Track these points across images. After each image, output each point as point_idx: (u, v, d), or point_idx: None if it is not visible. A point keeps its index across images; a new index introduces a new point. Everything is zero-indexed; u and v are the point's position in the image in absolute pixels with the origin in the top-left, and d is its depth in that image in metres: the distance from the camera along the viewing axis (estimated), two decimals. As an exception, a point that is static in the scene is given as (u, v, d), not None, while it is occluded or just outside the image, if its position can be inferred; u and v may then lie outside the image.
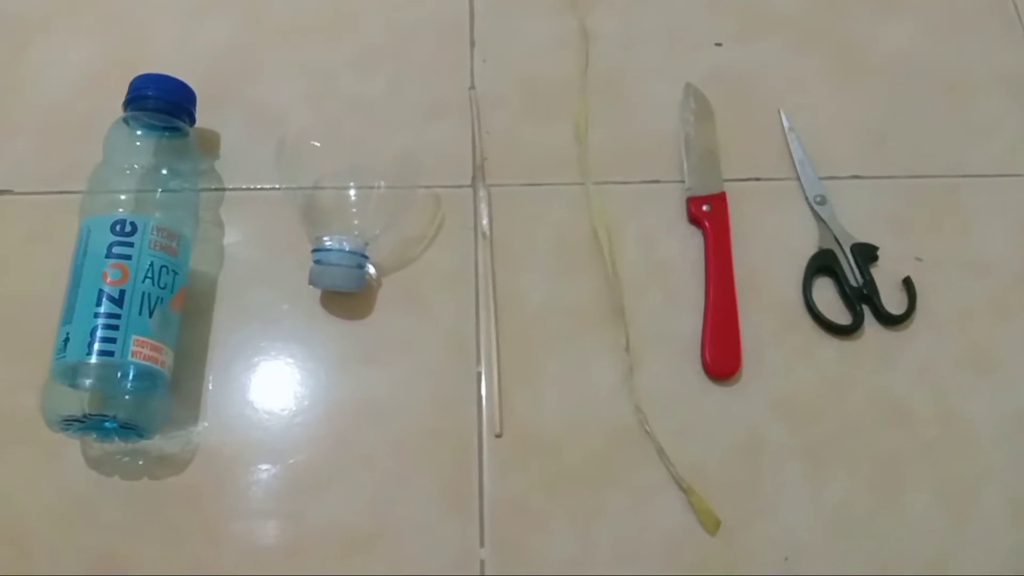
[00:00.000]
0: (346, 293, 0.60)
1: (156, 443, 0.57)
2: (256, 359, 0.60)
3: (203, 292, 0.62)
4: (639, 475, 0.57)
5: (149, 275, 0.56)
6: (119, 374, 0.54)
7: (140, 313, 0.55)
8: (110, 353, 0.53)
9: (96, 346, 0.53)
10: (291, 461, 0.57)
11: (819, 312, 0.61)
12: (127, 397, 0.54)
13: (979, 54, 0.72)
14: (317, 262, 0.59)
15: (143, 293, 0.55)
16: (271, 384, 0.59)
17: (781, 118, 0.67)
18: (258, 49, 0.70)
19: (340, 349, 0.60)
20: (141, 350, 0.54)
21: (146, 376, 0.55)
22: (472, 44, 0.71)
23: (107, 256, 0.55)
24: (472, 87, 0.69)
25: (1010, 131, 0.69)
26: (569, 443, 0.58)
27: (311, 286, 0.59)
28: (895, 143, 0.68)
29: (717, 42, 0.71)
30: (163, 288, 0.56)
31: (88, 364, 0.53)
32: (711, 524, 0.55)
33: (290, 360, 0.60)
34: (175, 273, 0.57)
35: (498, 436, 0.57)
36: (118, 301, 0.54)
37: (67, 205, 0.60)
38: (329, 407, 0.59)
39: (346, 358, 0.60)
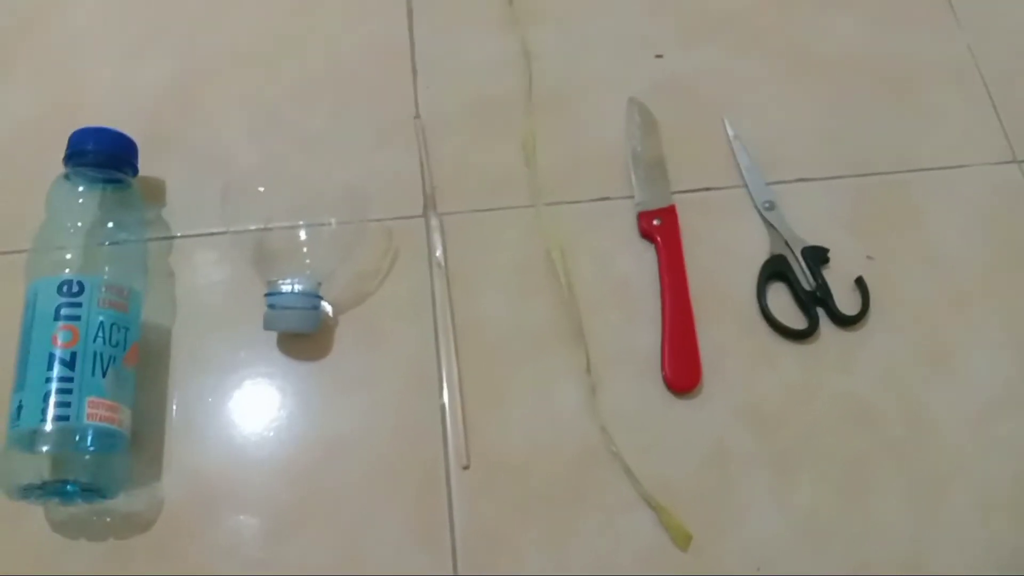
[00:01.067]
0: (303, 334, 0.60)
1: (121, 502, 0.56)
2: (216, 409, 0.59)
3: (157, 345, 0.61)
4: (608, 495, 0.57)
5: (100, 334, 0.55)
6: (76, 437, 0.53)
7: (93, 374, 0.54)
8: (65, 418, 0.53)
9: (51, 412, 0.52)
10: (257, 509, 0.57)
11: (775, 318, 0.61)
12: (87, 459, 0.53)
13: (920, 46, 0.73)
14: (271, 306, 0.58)
15: (95, 353, 0.54)
16: (232, 433, 0.59)
17: (725, 126, 0.68)
18: (197, 87, 0.70)
19: (301, 391, 0.60)
20: (97, 411, 0.53)
21: (104, 437, 0.54)
22: (415, 71, 0.70)
23: (56, 319, 0.54)
24: (417, 116, 0.68)
25: (956, 122, 0.70)
26: (536, 468, 0.58)
27: (266, 330, 0.59)
28: (842, 142, 0.68)
29: (658, 54, 0.71)
30: (115, 346, 0.56)
31: (44, 431, 0.52)
32: (682, 540, 0.56)
33: (251, 407, 0.60)
34: (126, 329, 0.57)
35: (465, 468, 0.57)
36: (70, 364, 0.54)
37: (6, 266, 0.59)
38: (293, 451, 0.58)
39: (308, 400, 0.60)
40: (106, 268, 0.57)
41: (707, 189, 0.66)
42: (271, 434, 0.59)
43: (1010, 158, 0.69)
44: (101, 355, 0.55)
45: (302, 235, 0.62)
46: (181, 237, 0.64)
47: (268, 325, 0.58)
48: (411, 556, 0.56)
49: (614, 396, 0.60)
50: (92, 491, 0.54)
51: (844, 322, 0.61)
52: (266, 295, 0.59)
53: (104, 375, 0.54)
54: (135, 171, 0.62)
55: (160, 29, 0.72)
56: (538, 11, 0.72)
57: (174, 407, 0.59)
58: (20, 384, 0.54)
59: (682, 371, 0.59)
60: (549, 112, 0.69)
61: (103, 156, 0.60)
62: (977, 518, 0.57)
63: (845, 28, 0.73)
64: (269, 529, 0.56)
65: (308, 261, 0.61)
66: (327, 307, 0.61)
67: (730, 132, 0.67)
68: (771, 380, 0.60)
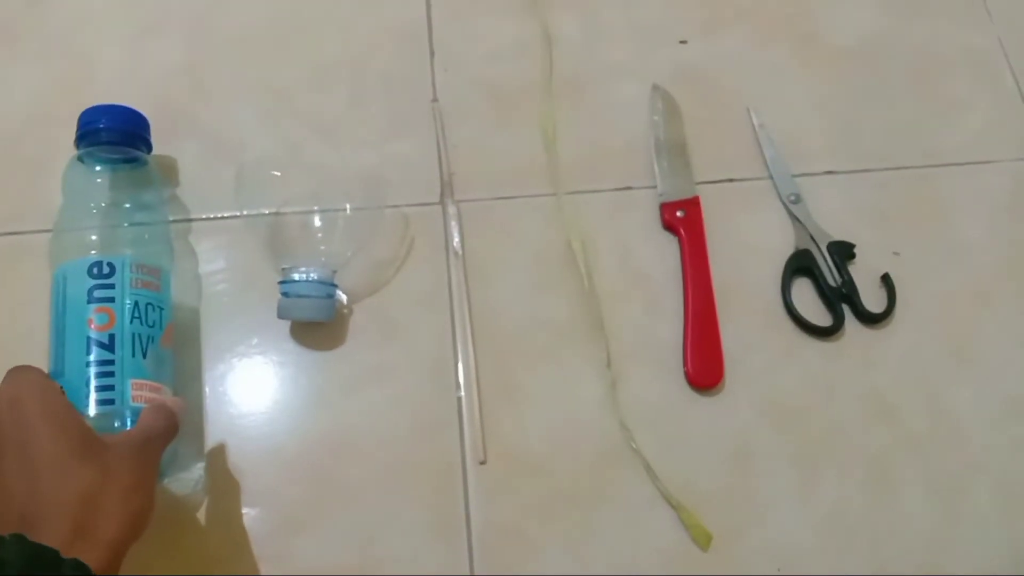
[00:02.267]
0: (317, 324, 0.58)
1: (166, 486, 0.55)
2: (228, 398, 0.58)
3: (188, 324, 0.59)
4: (628, 493, 0.56)
5: (136, 315, 0.54)
6: (121, 421, 0.52)
7: (133, 355, 0.53)
8: (110, 401, 0.51)
9: (94, 396, 0.51)
10: (270, 503, 0.55)
11: (799, 315, 0.60)
12: None
13: (945, 35, 0.71)
14: (284, 294, 0.57)
15: (133, 334, 0.53)
16: (245, 424, 0.57)
17: (751, 116, 0.66)
18: (210, 69, 0.68)
19: (315, 382, 0.59)
20: (141, 393, 0.52)
21: None
22: (432, 53, 0.68)
23: (89, 301, 0.53)
24: (435, 99, 0.67)
25: (981, 114, 0.69)
26: (555, 464, 0.57)
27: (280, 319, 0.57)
28: (867, 135, 0.67)
29: (682, 39, 0.69)
30: (152, 326, 0.54)
31: (89, 416, 0.51)
32: (703, 539, 0.55)
33: (262, 398, 0.58)
34: (161, 309, 0.55)
35: (482, 463, 0.56)
36: (109, 346, 0.52)
37: (22, 247, 0.57)
38: (307, 444, 0.57)
39: (321, 391, 0.58)
40: (131, 249, 0.56)
41: (731, 180, 0.65)
42: (284, 426, 0.57)
43: (1038, 153, 0.67)
44: (139, 336, 0.53)
45: (316, 221, 0.61)
46: (197, 219, 0.63)
47: (282, 314, 0.57)
48: (427, 552, 0.55)
49: (635, 391, 0.58)
50: None
51: (870, 320, 0.60)
52: (280, 283, 0.57)
53: (144, 356, 0.53)
54: (149, 148, 0.60)
55: (171, 8, 0.70)
56: (559, -6, 0.71)
57: (207, 389, 0.58)
58: (57, 370, 0.52)
59: (704, 367, 0.58)
60: (570, 98, 0.67)
61: (116, 134, 0.58)
62: (1000, 517, 0.57)
63: (871, 17, 0.71)
64: (282, 524, 0.55)
65: (323, 248, 0.60)
66: (342, 296, 0.60)
67: (755, 122, 0.66)
68: (794, 377, 0.59)
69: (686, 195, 0.63)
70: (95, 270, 0.54)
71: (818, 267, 0.61)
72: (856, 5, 0.72)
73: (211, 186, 0.63)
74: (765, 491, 0.57)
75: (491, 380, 0.58)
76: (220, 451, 0.57)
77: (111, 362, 0.52)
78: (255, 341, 0.60)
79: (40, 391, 0.44)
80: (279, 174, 0.61)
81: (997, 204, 0.65)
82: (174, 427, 0.50)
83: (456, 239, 0.62)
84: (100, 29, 0.69)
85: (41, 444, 0.43)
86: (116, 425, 0.52)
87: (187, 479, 0.56)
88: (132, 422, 0.52)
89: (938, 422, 0.59)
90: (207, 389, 0.58)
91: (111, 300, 0.53)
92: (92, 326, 0.53)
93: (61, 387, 0.47)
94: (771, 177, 0.64)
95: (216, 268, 0.61)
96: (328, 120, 0.66)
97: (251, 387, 0.59)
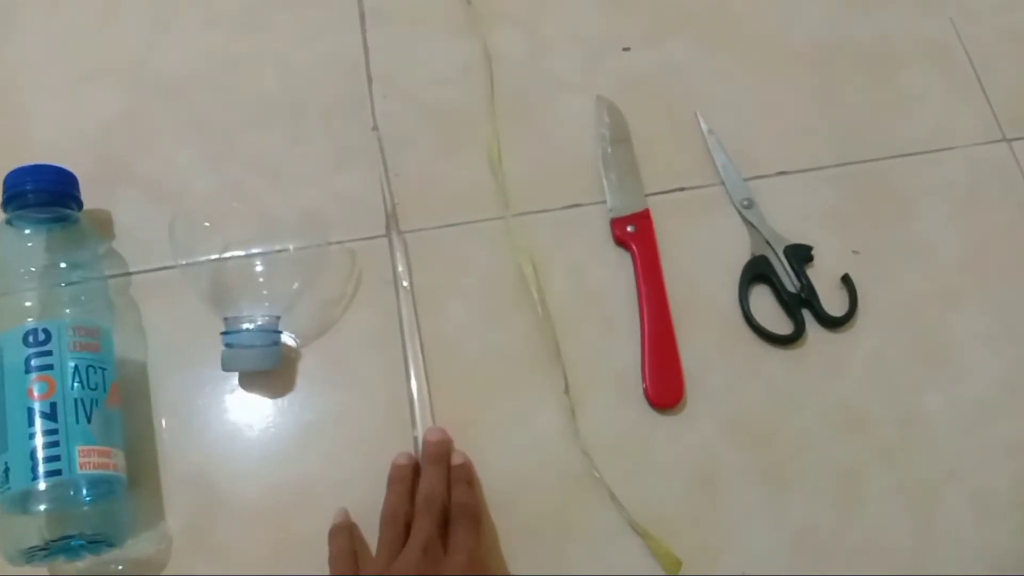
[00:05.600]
0: (265, 371, 0.57)
1: (130, 548, 0.53)
2: (178, 455, 0.56)
3: (136, 380, 0.58)
4: (594, 524, 0.55)
5: (77, 379, 0.52)
6: (72, 490, 0.51)
7: (78, 422, 0.52)
8: (57, 472, 0.50)
9: (41, 468, 0.50)
10: (236, 555, 0.54)
11: (758, 324, 0.58)
12: (87, 510, 0.51)
13: (898, 25, 0.69)
14: (227, 346, 0.55)
15: (76, 400, 0.52)
16: (199, 482, 0.56)
17: (699, 121, 0.64)
18: (147, 115, 0.66)
19: (268, 431, 0.57)
20: (89, 459, 0.51)
21: (101, 484, 0.52)
22: (370, 81, 0.67)
23: (28, 371, 0.52)
24: (375, 128, 0.65)
25: (940, 101, 0.67)
26: (518, 500, 0.55)
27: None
28: (821, 131, 0.65)
29: (625, 47, 0.68)
30: (95, 389, 0.53)
31: (37, 489, 0.50)
32: (672, 566, 0.53)
33: (217, 451, 0.57)
34: (103, 369, 0.54)
35: (442, 503, 0.55)
36: (51, 415, 0.51)
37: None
38: (265, 494, 0.56)
39: (276, 440, 0.57)
40: (69, 310, 0.55)
41: (682, 189, 0.63)
42: (241, 479, 0.56)
43: (999, 136, 0.66)
44: (82, 400, 0.52)
45: (258, 264, 0.59)
46: (137, 272, 0.61)
47: (226, 366, 0.55)
48: (390, 599, 0.53)
49: (595, 417, 0.57)
50: (98, 542, 0.51)
51: (832, 324, 0.59)
52: (222, 334, 0.56)
53: (89, 420, 0.52)
54: (80, 204, 0.59)
55: (106, 57, 0.68)
56: (498, 10, 0.69)
57: (164, 442, 0.57)
58: (1, 446, 0.51)
59: (664, 387, 0.57)
60: (515, 117, 0.66)
61: (44, 195, 0.57)
62: (974, 521, 0.55)
63: (819, 11, 0.69)
64: (241, 579, 0.54)
65: (265, 292, 0.58)
66: (290, 339, 0.59)
67: (704, 128, 0.64)
68: (758, 390, 0.58)
69: (636, 209, 0.62)
70: (31, 338, 0.52)
71: (775, 273, 0.60)
72: (804, 1, 0.70)
73: (151, 235, 0.61)
74: (734, 511, 0.55)
75: (448, 416, 0.57)
76: (180, 508, 0.55)
77: (55, 431, 0.51)
78: (206, 392, 0.58)
79: None
80: (208, 224, 0.59)
81: (956, 193, 0.64)
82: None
83: (402, 271, 0.60)
84: (35, 81, 0.68)
85: None
86: (71, 493, 0.50)
87: (150, 538, 0.55)
88: (86, 488, 0.51)
89: (908, 429, 0.57)
90: (160, 445, 0.57)
91: (50, 367, 0.52)
92: (33, 396, 0.51)
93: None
94: (723, 183, 0.63)
95: (161, 320, 0.60)
96: (270, 158, 0.65)
97: (205, 441, 0.57)
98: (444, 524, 0.50)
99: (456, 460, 0.54)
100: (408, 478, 0.54)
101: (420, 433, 0.56)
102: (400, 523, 0.51)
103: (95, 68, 0.68)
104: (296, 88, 0.67)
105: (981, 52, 0.68)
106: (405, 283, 0.60)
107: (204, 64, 0.68)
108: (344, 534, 0.53)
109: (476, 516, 0.51)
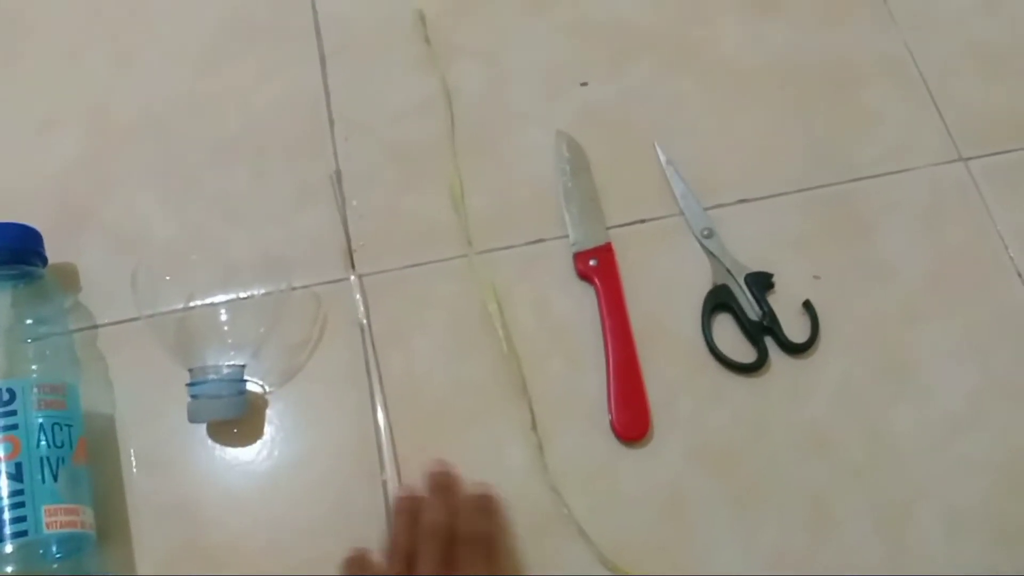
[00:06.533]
0: (232, 419, 0.57)
1: None
2: (149, 510, 0.56)
3: (104, 434, 0.58)
4: (565, 560, 0.55)
5: (43, 438, 0.53)
6: (40, 550, 0.51)
7: (44, 481, 0.52)
8: (23, 533, 0.50)
9: (7, 529, 0.50)
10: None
11: (722, 353, 0.59)
12: (55, 568, 0.51)
13: (853, 46, 0.70)
14: (193, 396, 0.56)
15: (41, 459, 0.52)
16: (172, 533, 0.56)
17: (657, 152, 0.65)
18: (108, 160, 0.66)
19: (237, 480, 0.57)
20: (56, 519, 0.51)
21: (69, 543, 0.52)
22: (331, 121, 0.67)
23: None
24: (336, 170, 0.65)
25: (897, 123, 0.68)
26: (487, 538, 0.55)
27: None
28: (780, 157, 0.66)
29: (583, 82, 0.68)
30: (60, 447, 0.53)
31: (4, 551, 0.50)
32: (643, 600, 0.53)
33: (187, 502, 0.57)
34: (69, 427, 0.54)
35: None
36: (16, 476, 0.51)
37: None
38: (236, 544, 0.56)
39: (245, 489, 0.57)
40: (34, 367, 0.55)
41: (643, 221, 0.64)
42: (211, 529, 0.56)
43: (955, 156, 0.66)
44: (48, 459, 0.52)
45: (222, 313, 0.59)
46: (103, 326, 0.61)
47: (192, 417, 0.55)
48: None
49: (563, 452, 0.57)
50: None
51: (794, 350, 0.59)
52: (187, 385, 0.56)
53: (56, 479, 0.52)
54: (44, 260, 0.59)
55: (65, 101, 0.68)
56: (456, 47, 0.69)
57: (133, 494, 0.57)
58: None
59: (630, 419, 0.57)
60: (475, 152, 0.66)
61: (6, 252, 0.57)
62: (945, 538, 0.56)
63: (774, 37, 0.70)
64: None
65: (230, 340, 0.58)
66: (257, 386, 0.59)
67: (662, 158, 0.65)
68: (723, 418, 0.58)
69: (598, 242, 0.62)
70: (-4, 399, 0.52)
71: (737, 302, 0.60)
72: (758, 27, 0.71)
73: (117, 286, 0.61)
74: (704, 539, 0.55)
75: (415, 455, 0.57)
76: (152, 560, 0.55)
77: (20, 491, 0.51)
78: (175, 443, 0.58)
79: None
80: (170, 278, 0.59)
81: (915, 214, 0.64)
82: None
83: (362, 313, 0.60)
84: (-5, 130, 0.68)
85: None
86: (39, 553, 0.50)
87: None
88: (54, 548, 0.51)
89: (876, 450, 0.57)
90: (130, 498, 0.57)
91: (15, 427, 0.52)
92: (-2, 457, 0.51)
93: None
94: (682, 213, 0.63)
95: (128, 372, 0.60)
96: (232, 199, 0.65)
97: (175, 492, 0.57)
98: (452, 555, 0.49)
99: (471, 489, 0.53)
100: (409, 510, 0.52)
101: (389, 475, 0.56)
102: (403, 556, 0.50)
103: (55, 114, 0.68)
104: (257, 128, 0.67)
105: (934, 70, 0.69)
106: (363, 324, 0.60)
107: (165, 106, 0.68)
108: (355, 565, 0.51)
109: (487, 546, 0.50)
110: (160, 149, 0.67)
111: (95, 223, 0.64)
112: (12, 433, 0.52)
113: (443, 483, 0.53)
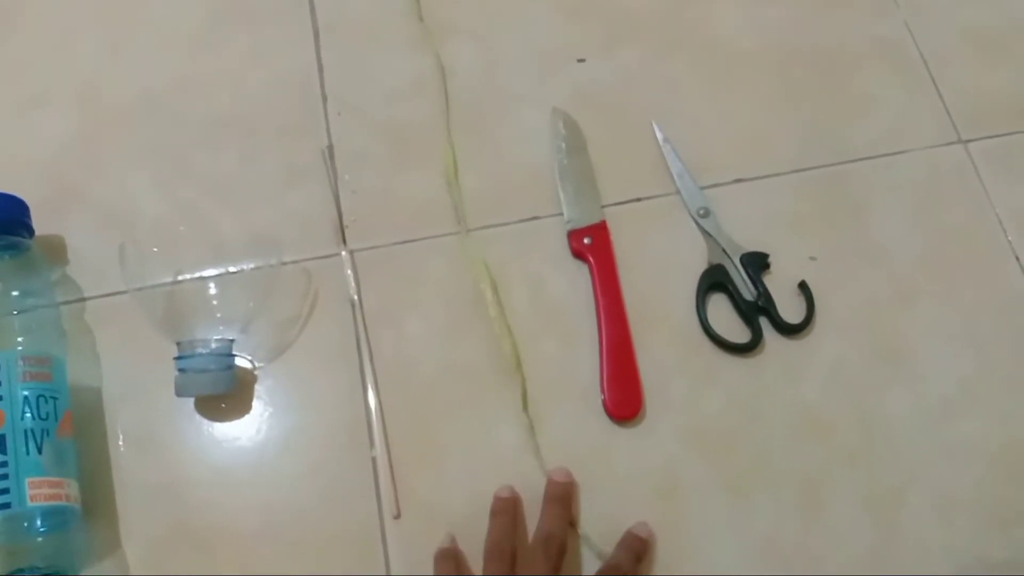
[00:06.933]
0: (220, 395, 0.56)
1: None
2: (136, 484, 0.56)
3: (91, 407, 0.57)
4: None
5: (27, 410, 0.52)
6: (24, 523, 0.50)
7: (28, 453, 0.51)
8: (7, 505, 0.50)
9: None
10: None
11: (716, 333, 0.58)
12: (39, 542, 0.51)
13: (851, 27, 0.69)
14: (180, 371, 0.55)
15: (25, 431, 0.52)
16: (158, 510, 0.55)
17: (654, 130, 0.64)
18: (99, 138, 0.66)
19: (225, 457, 0.57)
20: (40, 491, 0.51)
21: (53, 516, 0.51)
22: (324, 98, 0.66)
23: None
24: (329, 145, 0.64)
25: (895, 104, 0.67)
26: (477, 516, 0.54)
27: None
28: (777, 137, 0.65)
29: (580, 58, 0.67)
30: (45, 419, 0.53)
31: None
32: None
33: (174, 478, 0.56)
34: (55, 399, 0.54)
35: (396, 518, 0.54)
36: (0, 447, 0.51)
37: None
38: (222, 523, 0.55)
39: (233, 466, 0.56)
40: (20, 339, 0.54)
41: (638, 200, 0.63)
42: (198, 507, 0.55)
43: (955, 138, 0.66)
44: (32, 431, 0.52)
45: (211, 287, 0.59)
46: (91, 298, 0.60)
47: (179, 391, 0.55)
48: (350, 623, 0.52)
49: (555, 432, 0.57)
50: (52, 574, 0.51)
51: (789, 331, 0.58)
52: (175, 359, 0.55)
53: (40, 452, 0.52)
54: (31, 232, 0.59)
55: (57, 78, 0.67)
56: (451, 25, 0.69)
57: (120, 469, 0.56)
58: None
59: (623, 399, 0.56)
60: (470, 131, 0.65)
61: (-7, 223, 0.56)
62: (938, 523, 0.55)
63: (773, 17, 0.69)
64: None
65: (219, 315, 0.58)
66: (246, 361, 0.58)
67: (659, 136, 0.64)
68: (717, 399, 0.57)
69: (593, 220, 0.61)
70: (-22, 370, 0.52)
71: (732, 282, 0.59)
72: (757, 8, 0.70)
73: (105, 260, 0.60)
74: (696, 523, 0.55)
75: (405, 434, 0.57)
76: (138, 536, 0.55)
77: (4, 463, 0.51)
78: (162, 417, 0.58)
79: None
80: (158, 250, 0.58)
81: (914, 196, 0.63)
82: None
83: (353, 289, 0.60)
84: (-14, 106, 0.67)
85: None
86: (24, 526, 0.50)
87: (107, 567, 0.54)
88: (39, 521, 0.50)
89: (870, 433, 0.57)
90: (116, 473, 0.56)
91: (-1, 399, 0.51)
92: (-19, 428, 0.51)
93: None
94: (679, 192, 0.63)
95: (116, 345, 0.59)
96: (223, 179, 0.64)
97: (162, 467, 0.57)
98: (559, 567, 0.50)
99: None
100: (511, 511, 0.53)
101: (379, 452, 0.56)
102: (506, 558, 0.50)
103: (46, 93, 0.67)
104: (250, 108, 0.67)
105: (935, 53, 0.68)
106: (355, 300, 0.59)
107: (157, 85, 0.67)
108: (451, 561, 0.52)
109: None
110: (151, 128, 0.66)
111: (84, 199, 0.64)
112: (-4, 405, 0.51)
113: (564, 494, 0.53)
